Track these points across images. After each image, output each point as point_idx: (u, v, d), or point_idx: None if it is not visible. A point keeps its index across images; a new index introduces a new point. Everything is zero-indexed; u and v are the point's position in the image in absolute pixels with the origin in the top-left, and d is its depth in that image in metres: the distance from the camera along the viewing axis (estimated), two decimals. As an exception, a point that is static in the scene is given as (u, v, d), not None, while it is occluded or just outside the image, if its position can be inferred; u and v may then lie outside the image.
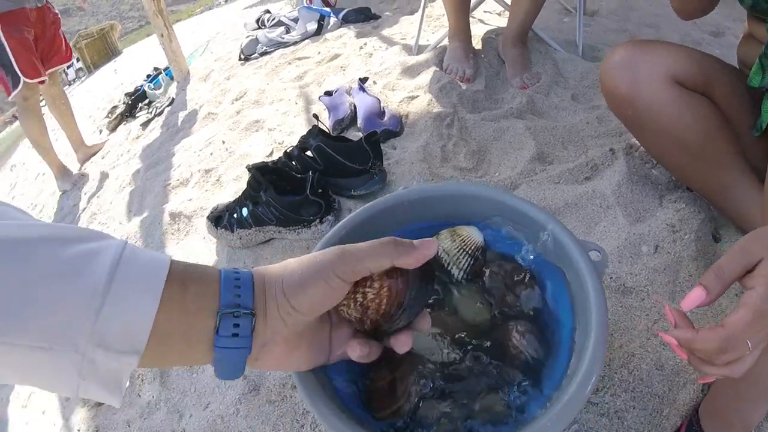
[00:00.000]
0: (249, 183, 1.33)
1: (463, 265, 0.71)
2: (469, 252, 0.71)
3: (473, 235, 0.73)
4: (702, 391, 0.85)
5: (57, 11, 2.92)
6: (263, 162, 1.39)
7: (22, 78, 2.60)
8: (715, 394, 0.79)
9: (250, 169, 1.32)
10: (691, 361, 0.52)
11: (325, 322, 0.55)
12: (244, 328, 0.45)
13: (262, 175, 1.30)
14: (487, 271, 0.71)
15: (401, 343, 0.53)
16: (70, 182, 2.86)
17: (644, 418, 0.84)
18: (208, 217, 1.45)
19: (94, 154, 3.13)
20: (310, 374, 0.57)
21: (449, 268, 0.71)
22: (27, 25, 2.63)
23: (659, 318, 0.94)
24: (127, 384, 1.01)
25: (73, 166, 3.08)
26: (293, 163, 1.39)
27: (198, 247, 1.51)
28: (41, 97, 2.99)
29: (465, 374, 0.62)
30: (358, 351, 0.53)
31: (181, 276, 0.44)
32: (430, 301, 0.69)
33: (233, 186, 1.72)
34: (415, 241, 0.51)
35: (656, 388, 0.86)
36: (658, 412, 0.84)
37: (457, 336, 0.65)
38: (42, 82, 2.72)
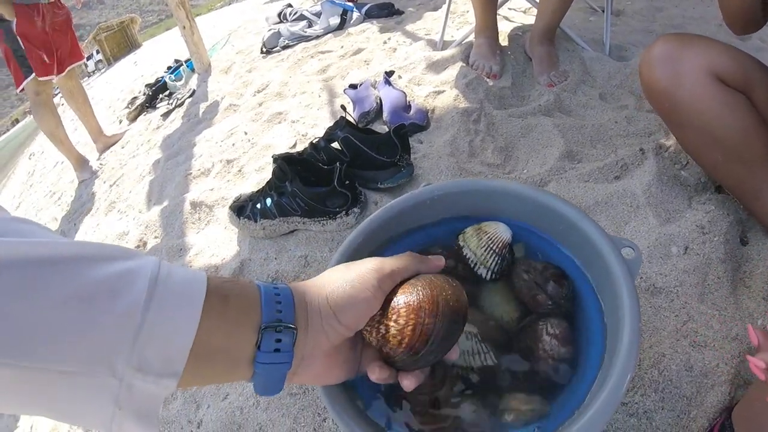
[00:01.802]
0: (274, 173, 1.32)
1: (491, 264, 0.69)
2: (497, 251, 0.69)
3: (500, 231, 0.71)
4: (729, 394, 0.83)
5: (68, 7, 2.96)
6: (289, 152, 1.38)
7: (33, 73, 2.66)
8: (750, 399, 0.77)
9: (276, 159, 1.32)
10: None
11: (358, 338, 0.55)
12: (285, 343, 0.45)
13: (288, 165, 1.30)
14: (517, 270, 0.70)
15: (408, 382, 0.52)
16: (89, 172, 2.89)
17: (672, 420, 0.82)
18: (230, 207, 1.45)
19: (114, 144, 3.15)
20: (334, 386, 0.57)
21: (476, 269, 0.69)
22: (42, 20, 2.66)
23: (688, 319, 0.93)
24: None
25: (93, 156, 3.10)
26: (320, 154, 1.38)
27: (219, 237, 1.51)
28: (56, 90, 3.03)
29: (493, 375, 0.61)
30: (377, 373, 0.52)
31: (220, 291, 0.43)
32: None
33: (255, 177, 1.72)
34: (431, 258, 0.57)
35: (685, 390, 0.84)
36: (686, 414, 0.83)
37: (487, 335, 0.64)
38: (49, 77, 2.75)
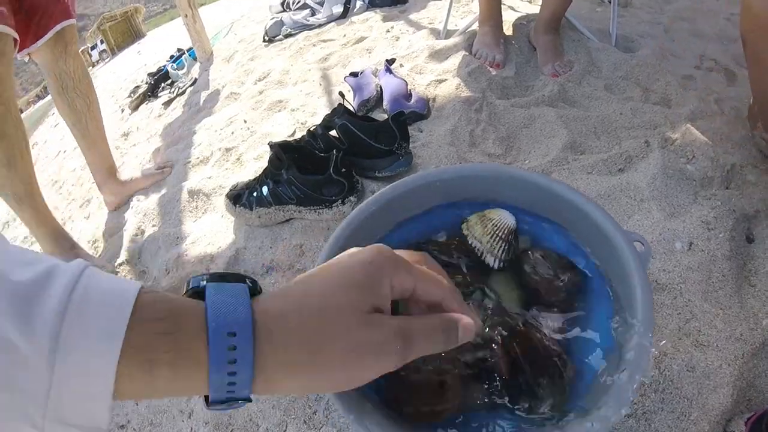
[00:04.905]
0: (270, 161, 1.30)
1: (498, 252, 0.67)
2: (503, 237, 0.67)
3: (504, 218, 0.69)
4: (732, 396, 0.81)
5: None
6: (285, 140, 1.36)
7: None
8: None
9: (272, 146, 1.30)
10: None
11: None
12: (241, 379, 0.37)
13: (285, 153, 1.28)
14: (526, 259, 0.68)
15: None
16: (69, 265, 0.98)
17: (672, 421, 0.80)
18: (227, 195, 1.43)
19: (131, 195, 1.98)
20: None
21: (483, 257, 0.67)
22: None
23: (691, 318, 0.91)
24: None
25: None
26: (317, 141, 1.36)
27: (216, 226, 1.50)
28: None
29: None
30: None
31: (151, 314, 0.35)
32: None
33: (254, 165, 1.71)
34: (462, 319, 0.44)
35: (686, 391, 0.82)
36: (686, 416, 0.80)
37: (495, 326, 0.62)
38: None
